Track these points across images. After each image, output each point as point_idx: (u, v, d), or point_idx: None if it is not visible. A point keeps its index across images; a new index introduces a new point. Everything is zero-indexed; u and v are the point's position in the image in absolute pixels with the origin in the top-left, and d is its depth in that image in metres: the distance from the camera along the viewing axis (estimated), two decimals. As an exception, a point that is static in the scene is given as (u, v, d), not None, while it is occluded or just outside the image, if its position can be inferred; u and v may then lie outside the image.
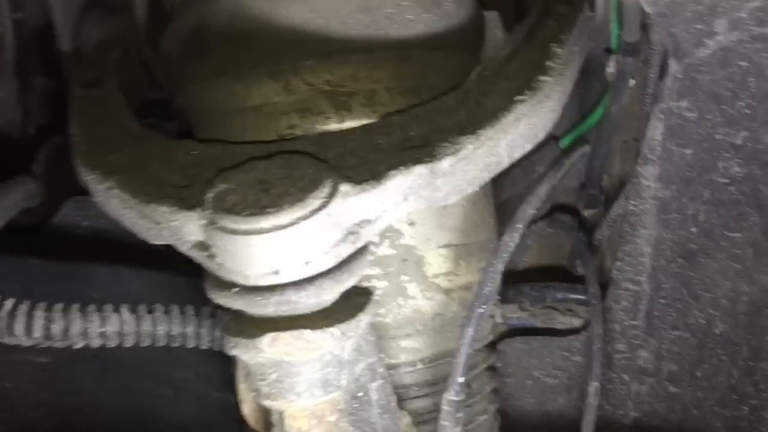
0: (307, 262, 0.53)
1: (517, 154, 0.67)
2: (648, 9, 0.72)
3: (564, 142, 1.03)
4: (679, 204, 0.85)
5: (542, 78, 0.68)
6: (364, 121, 0.73)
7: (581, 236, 1.02)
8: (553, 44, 0.71)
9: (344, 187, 0.55)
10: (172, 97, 0.88)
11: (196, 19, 0.75)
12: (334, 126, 0.73)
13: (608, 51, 0.99)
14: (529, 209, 0.74)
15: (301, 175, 0.55)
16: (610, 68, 0.97)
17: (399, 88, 0.75)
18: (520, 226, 0.72)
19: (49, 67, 1.01)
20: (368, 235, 0.56)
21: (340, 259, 0.55)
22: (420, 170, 0.58)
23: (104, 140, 0.74)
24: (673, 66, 0.75)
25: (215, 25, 0.73)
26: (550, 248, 1.10)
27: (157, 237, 0.62)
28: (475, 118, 0.64)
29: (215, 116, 0.78)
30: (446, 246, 0.76)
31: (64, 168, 0.88)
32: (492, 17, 0.96)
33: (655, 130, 0.82)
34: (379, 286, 0.74)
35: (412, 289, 0.75)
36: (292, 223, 0.51)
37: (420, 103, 0.73)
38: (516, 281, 1.03)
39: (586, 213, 1.04)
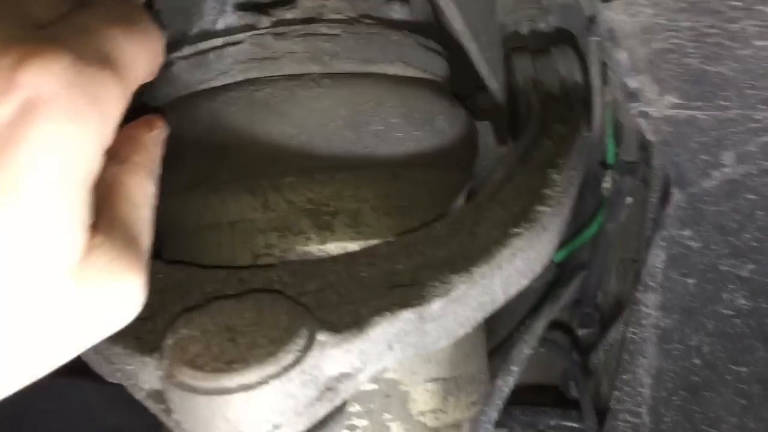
0: (276, 426, 0.46)
1: (513, 291, 0.61)
2: (650, 137, 0.68)
3: (558, 257, 0.98)
4: (682, 334, 0.79)
5: (540, 208, 0.63)
6: (347, 243, 0.68)
7: (575, 357, 0.96)
8: (551, 170, 0.67)
9: (322, 337, 0.49)
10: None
11: (172, 128, 0.70)
12: (314, 247, 0.68)
13: (604, 165, 0.95)
14: (525, 349, 0.69)
15: (274, 322, 0.49)
16: (606, 183, 0.93)
17: (386, 208, 0.70)
18: (515, 368, 0.66)
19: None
20: (347, 391, 0.50)
21: (314, 419, 0.48)
22: (407, 315, 0.52)
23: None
24: (677, 195, 0.71)
25: (191, 135, 0.69)
26: (542, 366, 1.04)
27: (111, 376, 0.56)
28: (468, 252, 0.59)
29: (187, 230, 0.73)
30: (433, 380, 0.70)
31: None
32: (484, 126, 0.93)
33: (656, 258, 0.77)
34: (359, 425, 0.67)
35: (396, 428, 0.68)
36: (261, 382, 0.45)
37: (412, 229, 0.69)
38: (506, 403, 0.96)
39: (581, 332, 0.98)
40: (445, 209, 0.76)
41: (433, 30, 0.80)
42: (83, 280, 0.32)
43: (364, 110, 0.68)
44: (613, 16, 0.58)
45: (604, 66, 0.82)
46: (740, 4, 0.53)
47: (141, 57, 0.35)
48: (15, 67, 0.28)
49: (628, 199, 0.89)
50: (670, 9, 0.56)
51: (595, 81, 0.82)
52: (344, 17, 0.70)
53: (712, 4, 0.54)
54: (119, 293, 0.34)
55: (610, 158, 0.94)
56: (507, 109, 0.84)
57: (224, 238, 0.70)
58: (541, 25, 0.87)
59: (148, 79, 0.38)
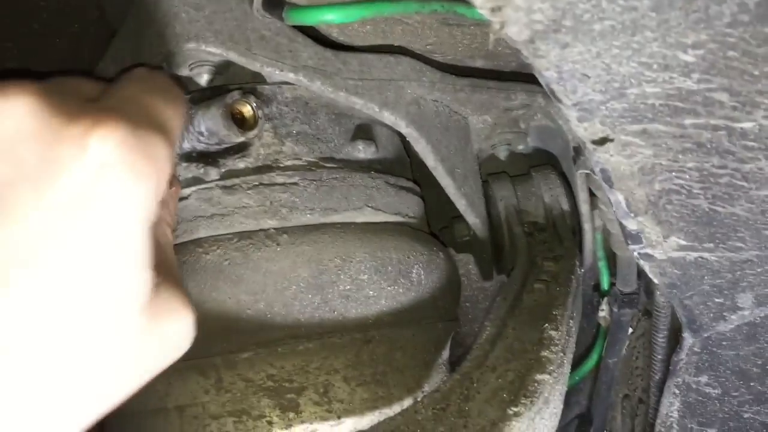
0: None
1: (516, 484, 0.51)
2: (655, 279, 0.60)
3: (555, 395, 0.89)
4: (707, 492, 0.70)
5: (539, 377, 0.54)
6: (317, 425, 0.58)
7: None
8: (547, 325, 0.59)
9: None
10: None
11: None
12: (278, 433, 0.58)
13: (597, 290, 0.87)
14: None
15: None
16: (603, 312, 0.85)
17: (360, 378, 0.60)
18: None
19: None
20: None
21: None
22: None
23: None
24: (689, 339, 0.63)
25: (131, 307, 0.59)
26: None
27: None
28: (460, 442, 0.49)
29: (129, 415, 0.62)
30: None
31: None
32: (466, 259, 0.85)
33: (671, 406, 0.68)
34: None
35: None
36: None
37: (390, 401, 0.59)
38: None
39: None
40: (428, 369, 0.66)
41: (403, 164, 0.73)
42: (153, 317, 0.37)
43: (329, 268, 0.59)
44: (608, 158, 0.50)
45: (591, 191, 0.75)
46: (755, 144, 0.46)
47: (177, 117, 0.41)
48: (85, 135, 0.33)
49: (629, 331, 0.81)
50: (673, 150, 0.49)
51: (583, 207, 0.75)
52: (302, 163, 0.63)
53: (723, 144, 0.47)
54: (180, 327, 0.39)
55: (605, 284, 0.86)
56: (489, 241, 0.76)
57: (171, 427, 0.59)
58: (520, 147, 0.80)
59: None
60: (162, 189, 0.37)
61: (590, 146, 0.51)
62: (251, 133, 0.56)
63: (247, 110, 0.56)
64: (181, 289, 0.41)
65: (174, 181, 0.52)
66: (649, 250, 0.58)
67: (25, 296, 0.32)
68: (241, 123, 0.56)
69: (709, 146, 0.48)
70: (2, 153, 0.32)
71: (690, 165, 0.50)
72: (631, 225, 0.56)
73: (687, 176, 0.51)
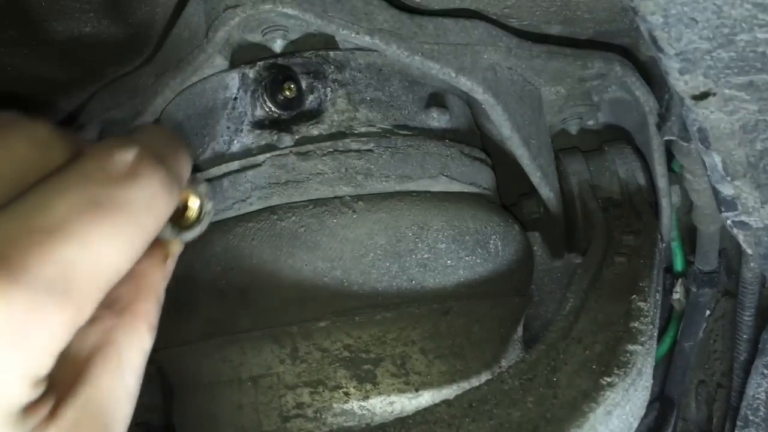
0: None
1: (609, 457, 0.49)
2: (748, 249, 0.57)
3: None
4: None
5: (631, 347, 0.51)
6: (395, 397, 0.56)
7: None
8: (637, 297, 0.56)
9: None
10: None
11: (182, 267, 0.59)
12: (355, 404, 0.56)
13: (670, 272, 0.84)
14: None
15: None
16: (677, 295, 0.81)
17: (437, 350, 0.58)
18: None
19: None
20: None
21: None
22: None
23: None
24: (783, 314, 0.60)
25: (204, 276, 0.58)
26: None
27: None
28: (551, 412, 0.47)
29: (201, 386, 0.61)
30: None
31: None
32: (533, 238, 0.82)
33: (758, 387, 0.65)
34: None
35: None
36: None
37: (468, 374, 0.57)
38: None
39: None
40: (505, 345, 0.64)
41: (474, 135, 0.71)
42: None
43: (406, 236, 0.57)
44: (708, 115, 0.48)
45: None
46: None
47: (186, 165, 0.37)
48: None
49: (707, 314, 0.78)
50: (781, 104, 0.46)
51: (661, 182, 0.72)
52: (377, 129, 0.61)
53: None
54: None
55: (678, 265, 0.83)
56: (562, 216, 0.74)
57: (246, 398, 0.58)
58: (590, 122, 0.78)
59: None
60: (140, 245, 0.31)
61: (689, 102, 0.48)
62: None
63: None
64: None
65: (161, 250, 0.40)
66: (744, 218, 0.55)
67: None
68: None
69: (822, 98, 0.45)
70: None
71: (798, 120, 0.47)
72: (727, 190, 0.54)
73: (794, 134, 0.48)
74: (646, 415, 0.81)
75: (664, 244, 0.70)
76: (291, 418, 0.56)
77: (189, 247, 0.58)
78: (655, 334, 0.57)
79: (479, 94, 0.62)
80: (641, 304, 0.55)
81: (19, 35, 0.58)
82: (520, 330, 0.67)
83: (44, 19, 0.57)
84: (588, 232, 0.72)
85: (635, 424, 0.52)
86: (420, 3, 0.63)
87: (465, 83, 0.62)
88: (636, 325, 0.54)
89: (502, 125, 0.65)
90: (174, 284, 0.60)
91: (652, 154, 0.71)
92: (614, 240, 0.66)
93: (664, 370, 0.84)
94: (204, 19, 0.59)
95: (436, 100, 0.65)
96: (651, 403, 0.79)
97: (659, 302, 0.61)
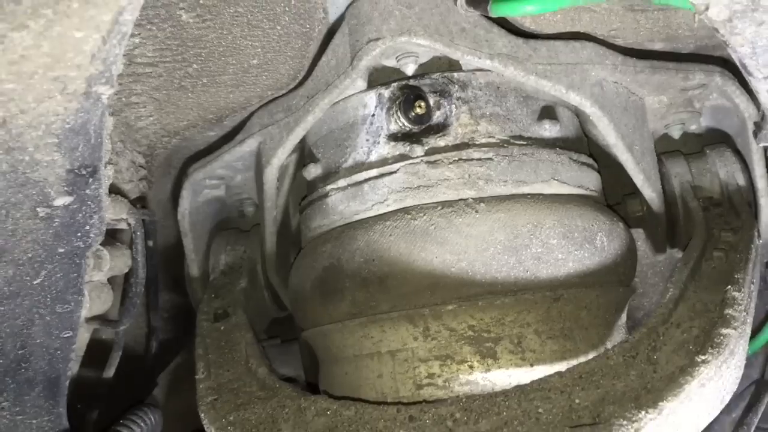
0: None
1: (703, 424, 0.56)
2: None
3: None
4: None
5: (724, 331, 0.58)
6: (512, 370, 0.66)
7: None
8: (732, 287, 0.63)
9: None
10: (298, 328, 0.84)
11: (329, 259, 0.71)
12: (478, 375, 0.66)
13: (772, 266, 0.88)
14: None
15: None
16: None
17: (549, 332, 0.67)
18: None
19: (176, 283, 1.01)
20: None
21: None
22: (597, 462, 0.49)
23: (231, 388, 0.69)
24: None
25: (349, 266, 0.69)
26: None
27: None
28: (651, 384, 0.55)
29: (346, 359, 0.73)
30: None
31: (184, 398, 0.84)
32: (637, 234, 0.89)
33: None
34: None
35: None
36: None
37: (577, 353, 0.66)
38: None
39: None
40: (610, 329, 0.72)
41: (582, 142, 0.79)
42: None
43: (522, 233, 0.67)
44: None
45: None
46: None
47: None
48: None
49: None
50: None
51: (760, 182, 0.78)
52: (496, 140, 0.70)
53: None
54: None
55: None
56: (664, 215, 0.81)
57: (385, 368, 0.69)
58: (693, 127, 0.84)
59: None
60: None
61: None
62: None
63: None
64: None
65: None
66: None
67: None
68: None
69: None
70: None
71: None
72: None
73: None
74: (743, 397, 0.87)
75: (761, 241, 0.75)
76: (424, 386, 0.67)
77: (334, 242, 0.70)
78: (749, 320, 0.63)
79: (587, 107, 0.71)
80: (736, 294, 0.62)
81: (200, 68, 0.71)
82: (624, 317, 0.75)
83: (222, 55, 0.70)
84: (689, 229, 0.79)
85: (727, 398, 0.58)
86: (534, 29, 0.72)
87: (575, 98, 0.70)
88: (730, 312, 0.60)
89: (608, 134, 0.73)
90: (323, 273, 0.72)
91: (752, 156, 0.77)
92: (713, 236, 0.72)
93: (765, 359, 0.89)
94: (349, 50, 0.71)
95: (548, 112, 0.74)
96: (749, 386, 0.85)
97: (754, 293, 0.66)
